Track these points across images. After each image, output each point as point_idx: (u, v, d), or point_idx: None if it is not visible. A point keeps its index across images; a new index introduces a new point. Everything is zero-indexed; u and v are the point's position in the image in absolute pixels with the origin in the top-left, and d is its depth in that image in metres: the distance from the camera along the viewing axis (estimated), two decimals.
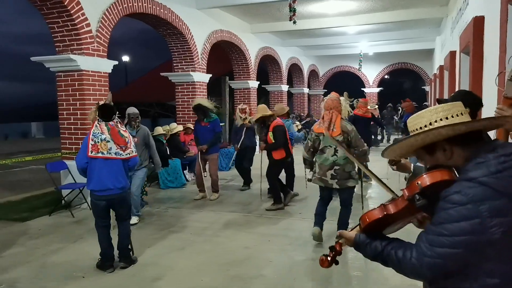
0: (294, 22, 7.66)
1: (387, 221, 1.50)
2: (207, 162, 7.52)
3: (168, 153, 8.50)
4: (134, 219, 5.63)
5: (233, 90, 13.61)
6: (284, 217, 6.16)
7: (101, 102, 4.36)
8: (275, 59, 15.27)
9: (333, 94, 4.89)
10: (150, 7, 8.21)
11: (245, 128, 7.98)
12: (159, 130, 8.39)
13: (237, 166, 8.40)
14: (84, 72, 6.77)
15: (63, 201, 6.64)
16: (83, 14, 6.71)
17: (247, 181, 8.21)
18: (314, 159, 4.84)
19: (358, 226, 1.58)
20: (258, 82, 13.87)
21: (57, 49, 6.88)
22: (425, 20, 12.13)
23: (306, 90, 19.67)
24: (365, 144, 4.81)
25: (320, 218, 4.86)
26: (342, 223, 4.80)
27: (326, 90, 22.24)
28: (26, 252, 4.85)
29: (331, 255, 1.59)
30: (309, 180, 5.21)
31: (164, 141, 8.58)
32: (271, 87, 16.20)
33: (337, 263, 1.60)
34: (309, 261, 4.43)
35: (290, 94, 18.48)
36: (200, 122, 7.32)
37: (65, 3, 6.39)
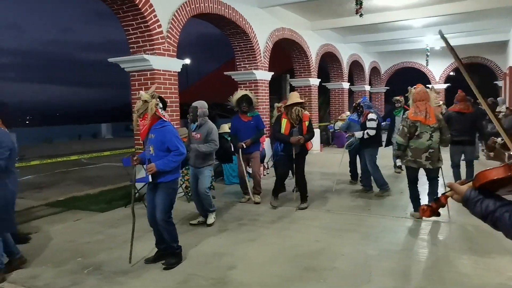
0: (361, 15, 7.50)
1: (505, 183, 1.42)
2: (250, 162, 7.03)
3: (232, 149, 8.66)
4: (211, 218, 5.62)
5: (293, 88, 13.59)
6: (353, 212, 6.05)
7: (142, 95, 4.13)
8: (335, 56, 15.04)
9: (421, 87, 5.44)
10: (216, 7, 8.43)
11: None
12: (225, 127, 8.57)
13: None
14: (155, 71, 7.10)
15: (137, 194, 6.99)
16: (155, 16, 7.04)
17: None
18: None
19: (470, 182, 1.52)
20: (319, 80, 13.74)
21: (131, 50, 7.28)
22: (498, 10, 11.32)
23: (367, 87, 19.16)
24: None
25: (419, 201, 5.57)
26: (434, 193, 5.49)
27: (388, 88, 21.51)
28: (108, 239, 5.17)
29: (434, 205, 1.60)
30: (399, 168, 5.70)
31: (229, 138, 8.75)
32: (331, 84, 15.98)
33: (438, 214, 1.67)
34: (383, 255, 4.31)
35: (351, 92, 18.12)
36: (241, 117, 6.81)
37: (139, 6, 6.74)
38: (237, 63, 10.36)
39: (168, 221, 4.19)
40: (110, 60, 7.38)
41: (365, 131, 6.86)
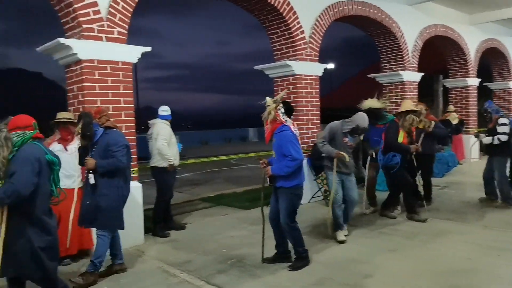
0: None
1: None
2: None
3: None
4: (341, 235, 5.16)
5: (447, 89, 12.38)
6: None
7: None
8: (501, 52, 13.16)
9: None
10: (359, 8, 8.25)
11: (423, 133, 6.35)
12: None
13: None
14: (297, 76, 7.30)
15: None
16: (298, 23, 7.25)
17: (428, 195, 6.76)
18: None
19: None
20: (479, 80, 12.22)
21: (275, 57, 7.63)
22: None
23: None
24: None
25: None
26: None
27: None
28: (250, 235, 5.50)
29: None
30: None
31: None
32: (495, 84, 14.02)
33: None
34: None
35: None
36: (375, 124, 6.20)
37: (283, 14, 7.03)
38: (382, 65, 9.93)
39: (291, 225, 4.22)
40: (255, 67, 7.86)
41: (496, 137, 6.29)
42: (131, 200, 5.12)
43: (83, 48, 4.84)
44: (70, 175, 4.58)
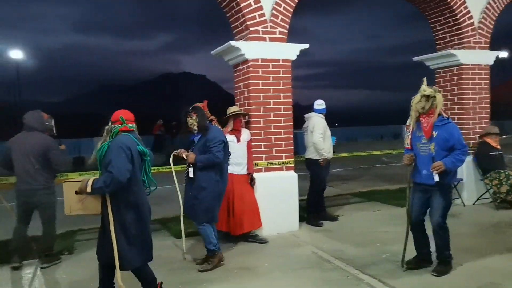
0: None
1: None
2: None
3: None
4: None
5: None
6: None
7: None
8: None
9: None
10: None
11: None
12: None
13: None
14: (463, 66, 6.70)
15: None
16: (465, 8, 6.63)
17: None
18: None
19: None
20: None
21: (437, 46, 7.13)
22: None
23: None
24: None
25: None
26: None
27: None
28: (404, 231, 5.31)
29: None
30: None
31: None
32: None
33: None
34: None
35: None
36: None
37: (448, 0, 6.51)
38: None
39: (443, 226, 3.94)
40: (414, 59, 7.46)
41: None
42: (287, 189, 5.52)
43: (249, 49, 5.36)
44: (240, 163, 5.16)
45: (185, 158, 4.33)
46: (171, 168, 4.47)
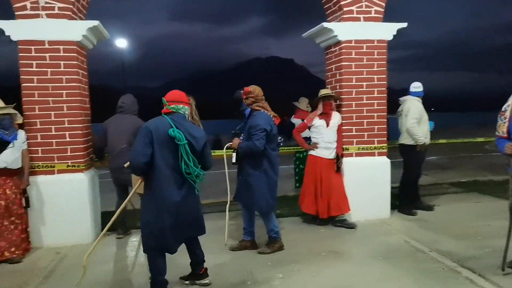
0: None
1: None
2: None
3: None
4: None
5: None
6: None
7: None
8: None
9: None
10: None
11: None
12: None
13: None
14: None
15: None
16: None
17: None
18: None
19: None
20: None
21: None
22: None
23: None
24: None
25: None
26: None
27: None
28: None
29: None
30: None
31: None
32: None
33: None
34: None
35: None
36: None
37: None
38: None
39: None
40: None
41: None
42: (379, 176, 5.36)
43: (342, 30, 5.22)
44: (328, 147, 5.12)
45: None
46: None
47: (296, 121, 7.33)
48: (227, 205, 4.21)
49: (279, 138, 4.33)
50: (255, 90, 4.16)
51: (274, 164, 4.17)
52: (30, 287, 3.63)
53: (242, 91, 4.20)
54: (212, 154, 3.50)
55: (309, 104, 7.13)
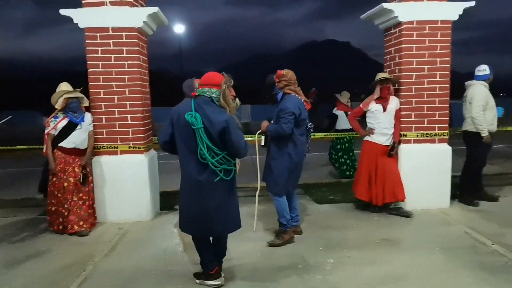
0: None
1: None
2: None
3: None
4: None
5: None
6: None
7: None
8: None
9: None
10: None
11: None
12: None
13: None
14: None
15: None
16: None
17: None
18: None
19: None
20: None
21: None
22: None
23: None
24: None
25: None
26: None
27: None
28: None
29: None
30: None
31: None
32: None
33: None
34: None
35: None
36: None
37: None
38: None
39: None
40: None
41: None
42: (439, 163, 5.14)
43: (403, 11, 4.98)
44: (385, 133, 4.96)
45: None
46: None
47: (339, 113, 7.22)
48: (257, 191, 4.27)
49: (309, 123, 4.25)
50: (288, 73, 4.12)
51: (300, 149, 4.09)
52: (96, 258, 3.92)
53: (274, 75, 4.18)
54: (248, 139, 3.45)
55: (349, 99, 7.32)
